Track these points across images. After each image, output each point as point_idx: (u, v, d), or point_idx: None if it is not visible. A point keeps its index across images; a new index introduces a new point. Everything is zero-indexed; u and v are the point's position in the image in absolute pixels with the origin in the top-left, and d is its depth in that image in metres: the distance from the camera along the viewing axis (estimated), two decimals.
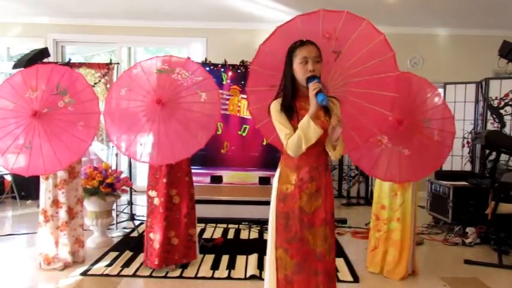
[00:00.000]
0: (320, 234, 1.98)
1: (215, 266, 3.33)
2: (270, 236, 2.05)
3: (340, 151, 1.98)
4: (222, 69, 5.23)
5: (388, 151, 2.91)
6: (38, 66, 3.12)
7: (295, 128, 1.90)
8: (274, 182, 2.05)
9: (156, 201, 3.16)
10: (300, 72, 1.92)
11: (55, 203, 3.23)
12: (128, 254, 3.58)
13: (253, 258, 3.48)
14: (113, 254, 3.57)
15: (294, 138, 1.88)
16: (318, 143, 1.91)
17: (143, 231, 3.28)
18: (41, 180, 3.22)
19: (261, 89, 2.18)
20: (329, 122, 1.90)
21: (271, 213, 2.04)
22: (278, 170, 2.05)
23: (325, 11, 2.02)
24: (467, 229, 4.27)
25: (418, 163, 2.92)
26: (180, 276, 3.12)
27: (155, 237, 3.15)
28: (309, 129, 1.84)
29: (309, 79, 1.88)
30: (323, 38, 2.03)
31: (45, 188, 3.22)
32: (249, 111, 2.30)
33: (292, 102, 1.96)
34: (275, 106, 1.96)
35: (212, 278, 3.11)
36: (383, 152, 2.91)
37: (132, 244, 3.83)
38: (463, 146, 5.54)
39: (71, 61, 5.93)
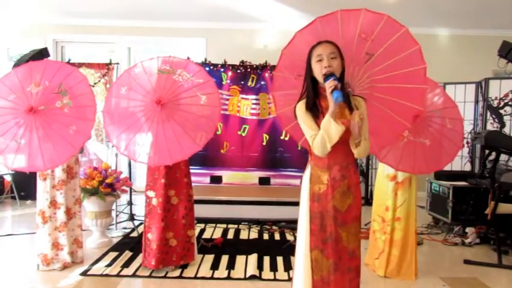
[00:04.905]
0: (352, 231, 2.00)
1: (215, 266, 3.33)
2: (303, 238, 2.01)
3: (364, 149, 1.94)
4: (222, 70, 5.23)
5: (411, 144, 2.95)
6: (47, 61, 3.04)
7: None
8: (305, 183, 2.02)
9: (154, 201, 3.16)
10: (317, 70, 1.94)
11: (53, 203, 3.21)
12: (127, 254, 3.58)
13: (253, 258, 3.48)
14: (113, 254, 3.57)
15: (318, 138, 1.88)
16: (345, 141, 1.92)
17: (143, 232, 3.27)
18: (38, 181, 3.20)
19: (286, 92, 2.19)
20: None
21: (303, 215, 2.01)
22: (308, 171, 2.02)
23: (366, 11, 2.01)
24: (467, 229, 4.27)
25: (439, 152, 3.00)
26: (180, 277, 3.12)
27: (153, 238, 3.14)
28: (330, 128, 1.84)
29: (326, 78, 1.88)
30: (359, 37, 2.03)
31: (42, 188, 3.20)
32: (276, 115, 2.31)
33: (316, 101, 1.97)
34: (300, 107, 1.98)
35: (212, 278, 3.11)
36: (406, 146, 2.94)
37: (131, 244, 3.82)
38: (463, 146, 5.54)
39: (71, 61, 5.93)
